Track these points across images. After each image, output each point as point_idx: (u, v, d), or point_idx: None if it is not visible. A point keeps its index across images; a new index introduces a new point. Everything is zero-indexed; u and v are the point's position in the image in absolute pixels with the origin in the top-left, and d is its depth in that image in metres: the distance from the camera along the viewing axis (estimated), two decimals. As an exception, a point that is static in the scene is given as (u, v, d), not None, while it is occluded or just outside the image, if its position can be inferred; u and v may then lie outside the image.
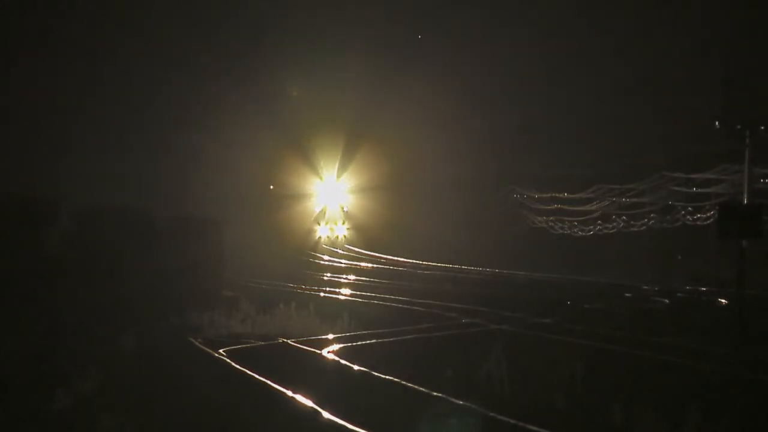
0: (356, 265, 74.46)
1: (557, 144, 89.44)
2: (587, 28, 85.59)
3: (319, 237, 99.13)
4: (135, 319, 29.34)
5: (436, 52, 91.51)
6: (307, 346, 26.69)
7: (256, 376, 20.80)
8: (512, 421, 16.34)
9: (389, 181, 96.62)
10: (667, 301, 45.27)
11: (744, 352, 25.87)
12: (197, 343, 27.15)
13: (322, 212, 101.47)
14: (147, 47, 73.36)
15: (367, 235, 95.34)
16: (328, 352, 25.46)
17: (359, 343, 27.66)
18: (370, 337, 29.01)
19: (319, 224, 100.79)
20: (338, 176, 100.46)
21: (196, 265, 35.86)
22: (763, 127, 35.27)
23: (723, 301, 43.77)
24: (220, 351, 25.30)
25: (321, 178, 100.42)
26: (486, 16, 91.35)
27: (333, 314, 32.38)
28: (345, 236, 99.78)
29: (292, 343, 27.36)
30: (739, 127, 35.64)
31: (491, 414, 16.83)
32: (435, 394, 18.52)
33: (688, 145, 69.15)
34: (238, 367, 22.34)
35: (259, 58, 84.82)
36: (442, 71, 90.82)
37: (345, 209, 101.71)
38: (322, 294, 46.24)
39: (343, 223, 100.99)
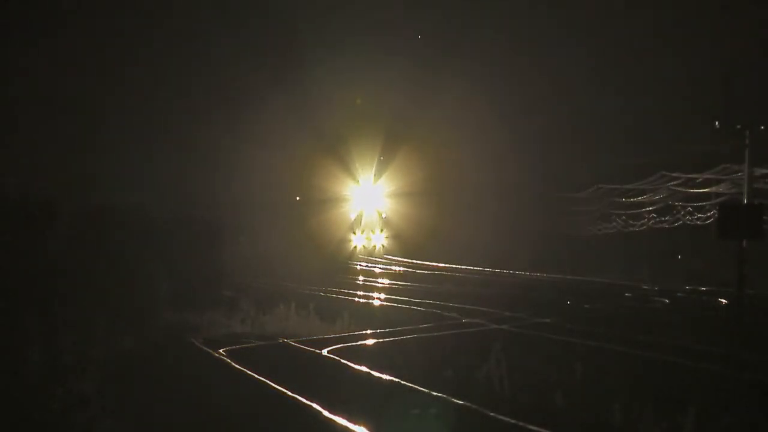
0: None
1: (560, 144, 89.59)
2: (586, 28, 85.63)
3: (355, 246, 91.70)
4: (142, 319, 29.33)
5: (479, 52, 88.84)
6: (307, 346, 26.72)
7: (256, 376, 20.85)
8: (512, 421, 16.36)
9: (432, 185, 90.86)
10: (667, 301, 45.30)
11: (743, 353, 25.87)
12: (198, 344, 27.24)
13: (358, 218, 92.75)
14: (173, 45, 72.31)
15: (407, 243, 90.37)
16: (329, 351, 25.47)
17: (360, 342, 27.70)
18: (371, 336, 29.06)
19: (354, 233, 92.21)
20: (375, 179, 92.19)
21: (198, 267, 35.91)
22: (763, 127, 35.34)
23: (723, 301, 43.80)
24: (220, 351, 25.39)
25: (357, 182, 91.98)
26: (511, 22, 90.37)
27: (334, 314, 32.45)
28: (383, 246, 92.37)
29: (293, 343, 27.39)
30: (739, 127, 35.72)
31: (491, 414, 16.85)
32: (435, 393, 18.54)
33: (688, 145, 69.20)
34: (238, 366, 22.39)
35: (292, 57, 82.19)
36: (484, 71, 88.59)
37: (383, 215, 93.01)
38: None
39: (381, 231, 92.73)
